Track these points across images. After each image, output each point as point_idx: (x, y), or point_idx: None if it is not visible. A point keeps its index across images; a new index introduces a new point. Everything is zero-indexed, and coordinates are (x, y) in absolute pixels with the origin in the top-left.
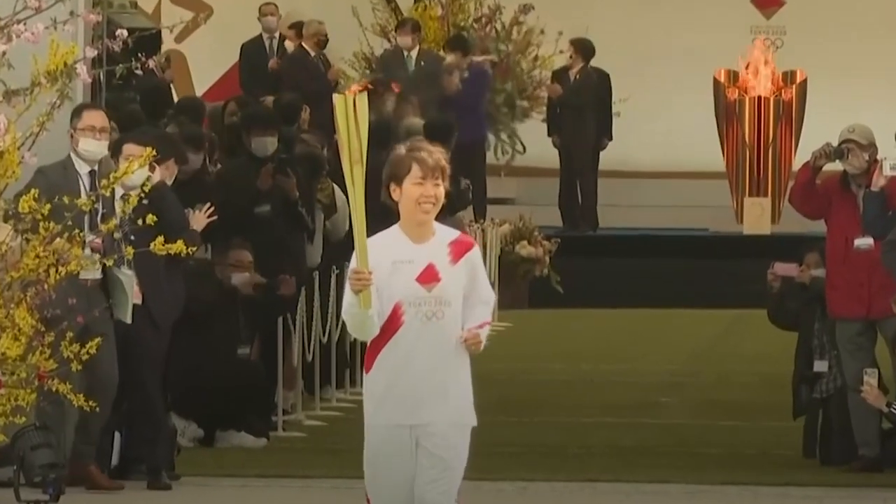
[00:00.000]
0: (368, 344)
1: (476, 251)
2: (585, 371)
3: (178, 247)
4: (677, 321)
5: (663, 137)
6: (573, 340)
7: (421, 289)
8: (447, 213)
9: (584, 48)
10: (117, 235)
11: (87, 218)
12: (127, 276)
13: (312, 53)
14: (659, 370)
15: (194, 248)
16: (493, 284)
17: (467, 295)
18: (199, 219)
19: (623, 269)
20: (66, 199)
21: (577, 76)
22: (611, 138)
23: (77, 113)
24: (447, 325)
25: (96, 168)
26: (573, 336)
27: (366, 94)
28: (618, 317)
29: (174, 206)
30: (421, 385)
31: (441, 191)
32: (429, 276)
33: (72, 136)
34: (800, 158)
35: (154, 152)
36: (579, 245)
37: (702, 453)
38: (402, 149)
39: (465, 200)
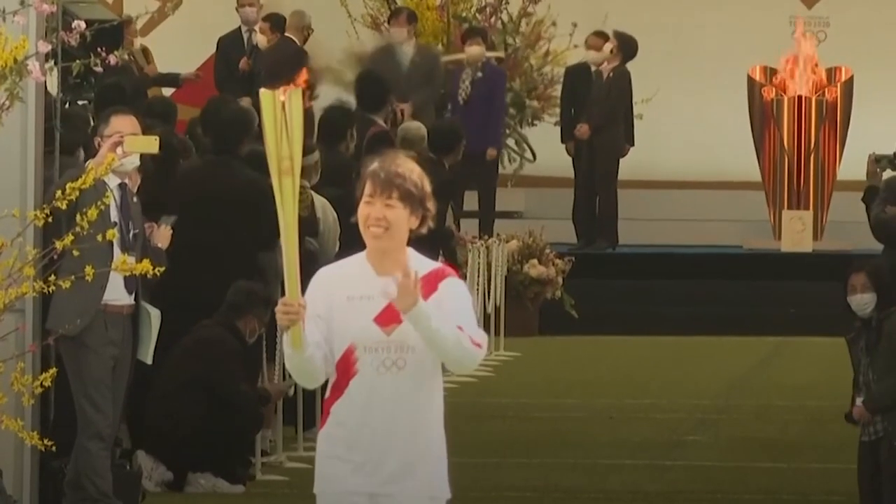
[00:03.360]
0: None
1: (453, 281)
2: (603, 406)
3: (143, 267)
4: (707, 350)
5: (691, 143)
6: (589, 371)
7: (378, 331)
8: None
9: (627, 46)
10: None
11: (117, 237)
12: (154, 312)
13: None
14: (687, 405)
15: (161, 269)
16: (498, 308)
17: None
18: (164, 235)
19: (645, 291)
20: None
21: (611, 74)
22: (632, 144)
23: (104, 119)
24: (411, 377)
25: (127, 181)
26: (589, 366)
27: (300, 91)
28: (639, 345)
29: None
30: (379, 447)
31: (396, 213)
32: (388, 317)
33: (98, 146)
34: (845, 166)
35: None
36: (596, 264)
37: (737, 499)
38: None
39: (444, 239)
